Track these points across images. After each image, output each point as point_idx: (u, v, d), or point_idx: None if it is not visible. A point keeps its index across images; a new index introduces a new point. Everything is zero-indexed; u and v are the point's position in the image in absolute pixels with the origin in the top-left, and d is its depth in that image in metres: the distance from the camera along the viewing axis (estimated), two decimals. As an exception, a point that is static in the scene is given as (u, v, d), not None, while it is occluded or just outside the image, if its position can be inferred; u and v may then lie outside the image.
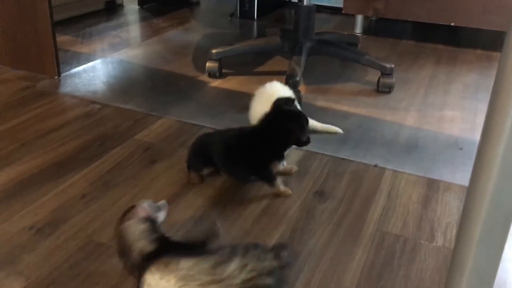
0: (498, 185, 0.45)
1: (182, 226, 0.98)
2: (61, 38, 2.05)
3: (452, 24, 2.09)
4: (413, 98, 1.61)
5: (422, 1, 2.08)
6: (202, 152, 1.12)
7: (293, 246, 0.94)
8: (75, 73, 1.71)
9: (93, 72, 1.73)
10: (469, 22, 2.06)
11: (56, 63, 1.64)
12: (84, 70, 1.74)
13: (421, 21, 2.14)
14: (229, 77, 1.73)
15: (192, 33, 2.23)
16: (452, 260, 0.51)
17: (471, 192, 0.47)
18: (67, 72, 1.71)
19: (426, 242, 0.96)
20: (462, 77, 1.79)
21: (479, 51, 2.08)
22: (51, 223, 0.97)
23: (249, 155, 1.06)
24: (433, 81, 1.75)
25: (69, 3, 2.28)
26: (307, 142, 1.05)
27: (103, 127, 1.35)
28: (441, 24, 2.13)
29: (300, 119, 1.05)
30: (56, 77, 1.65)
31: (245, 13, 2.50)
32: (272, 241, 0.95)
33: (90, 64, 1.80)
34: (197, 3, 2.77)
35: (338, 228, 0.99)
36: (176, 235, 0.95)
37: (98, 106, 1.47)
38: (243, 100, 1.54)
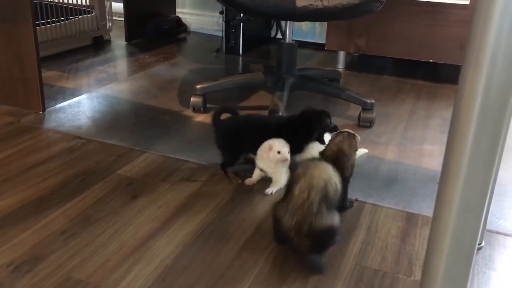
0: (459, 221, 0.47)
1: (162, 262, 0.98)
2: (47, 74, 2.07)
3: (431, 60, 2.15)
4: (393, 133, 1.64)
5: (402, 39, 2.15)
6: (236, 138, 1.31)
7: (273, 280, 0.94)
8: (60, 108, 1.73)
9: (78, 107, 1.74)
10: (447, 59, 2.13)
11: (41, 98, 1.66)
12: (69, 105, 1.75)
13: (401, 57, 2.21)
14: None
15: (178, 68, 2.27)
16: (420, 295, 0.52)
17: (434, 228, 0.49)
18: (52, 107, 1.72)
19: (404, 277, 0.96)
20: (441, 112, 1.84)
21: (457, 87, 2.13)
22: (29, 260, 0.97)
23: (291, 138, 1.25)
24: (413, 116, 1.79)
25: (56, 39, 2.31)
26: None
27: (86, 162, 1.36)
28: (421, 61, 2.19)
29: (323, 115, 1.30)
30: (41, 112, 1.67)
31: (231, 49, 2.56)
32: (251, 277, 0.95)
33: (75, 99, 1.82)
34: (184, 39, 2.82)
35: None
36: (156, 270, 0.95)
37: (82, 141, 1.48)
38: (227, 135, 1.56)
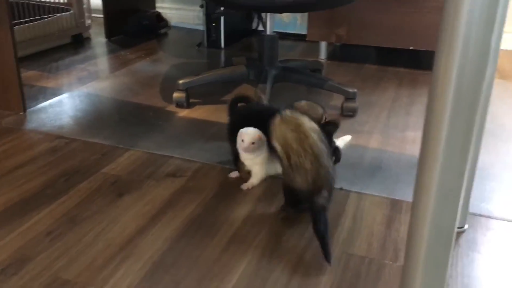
0: (438, 205, 0.48)
1: (149, 259, 0.98)
2: (27, 74, 2.04)
3: (412, 48, 2.17)
4: (376, 121, 1.65)
5: (382, 27, 2.17)
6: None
7: (261, 272, 0.95)
8: (41, 108, 1.71)
9: (60, 106, 1.73)
10: (427, 46, 2.15)
11: (22, 99, 1.63)
12: (51, 105, 1.73)
13: (382, 46, 2.22)
14: (197, 107, 1.75)
15: (160, 64, 2.25)
16: (402, 279, 0.53)
17: (414, 213, 0.50)
18: (33, 108, 1.70)
19: (390, 262, 0.98)
20: (422, 99, 1.86)
21: (438, 73, 2.15)
22: (15, 262, 0.96)
23: None
24: (396, 104, 1.81)
25: (35, 38, 2.28)
26: None
27: (69, 161, 1.35)
28: (402, 48, 2.21)
29: None
30: (22, 113, 1.65)
31: (213, 43, 2.55)
32: (239, 269, 0.95)
33: (56, 98, 1.80)
34: (165, 34, 2.80)
35: (305, 252, 1.01)
36: (144, 267, 0.95)
37: (64, 140, 1.47)
38: (211, 129, 1.57)
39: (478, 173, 1.29)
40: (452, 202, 0.47)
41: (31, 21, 2.25)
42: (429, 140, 0.47)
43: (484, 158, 1.40)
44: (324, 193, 1.00)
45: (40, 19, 2.30)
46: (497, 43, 0.85)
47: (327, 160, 1.02)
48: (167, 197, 1.19)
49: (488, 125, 1.62)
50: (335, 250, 1.01)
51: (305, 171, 1.00)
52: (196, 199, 1.19)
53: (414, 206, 0.50)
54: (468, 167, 0.46)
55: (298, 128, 1.03)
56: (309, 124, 1.05)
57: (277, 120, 1.07)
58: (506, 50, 2.56)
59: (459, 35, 0.43)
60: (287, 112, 1.08)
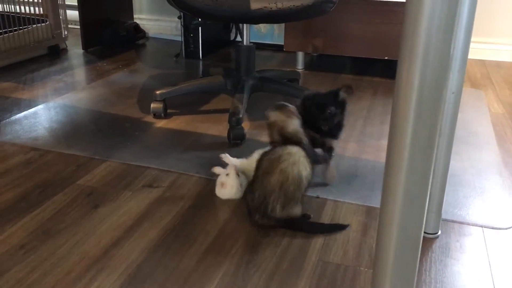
0: (404, 210, 0.49)
1: (125, 270, 0.97)
2: (1, 85, 2.02)
3: (386, 57, 2.21)
4: (352, 130, 1.68)
5: (358, 37, 2.20)
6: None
7: (238, 281, 0.95)
8: (16, 120, 1.68)
9: (35, 118, 1.71)
10: (401, 55, 2.19)
11: (-5, 111, 1.61)
12: (25, 117, 1.71)
13: (358, 56, 2.26)
14: (174, 117, 1.75)
15: (138, 74, 2.25)
16: (372, 283, 0.54)
17: (381, 219, 0.51)
18: (7, 120, 1.68)
19: (366, 269, 0.99)
20: (397, 107, 1.89)
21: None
22: (-13, 277, 0.94)
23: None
24: (371, 113, 1.83)
25: (10, 50, 2.25)
26: None
27: (44, 174, 1.33)
28: (377, 58, 2.25)
29: None
30: (-4, 125, 1.62)
31: (190, 53, 2.55)
32: (216, 279, 0.95)
33: (31, 110, 1.77)
34: (143, 45, 2.80)
35: (281, 260, 1.01)
36: (119, 278, 0.94)
37: (39, 152, 1.45)
38: (189, 139, 1.57)
39: (450, 179, 1.32)
40: (419, 206, 0.48)
41: (6, 32, 2.23)
42: (394, 147, 0.48)
43: (456, 164, 1.43)
44: (261, 221, 1.09)
45: (16, 30, 2.28)
46: (464, 53, 0.88)
47: (273, 199, 1.07)
48: (144, 208, 1.19)
49: (460, 133, 1.66)
50: (311, 257, 1.02)
51: (252, 198, 1.11)
52: (173, 209, 1.18)
53: (382, 211, 0.51)
54: (432, 171, 0.47)
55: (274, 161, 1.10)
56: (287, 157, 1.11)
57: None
58: (479, 60, 2.63)
59: (420, 45, 0.45)
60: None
